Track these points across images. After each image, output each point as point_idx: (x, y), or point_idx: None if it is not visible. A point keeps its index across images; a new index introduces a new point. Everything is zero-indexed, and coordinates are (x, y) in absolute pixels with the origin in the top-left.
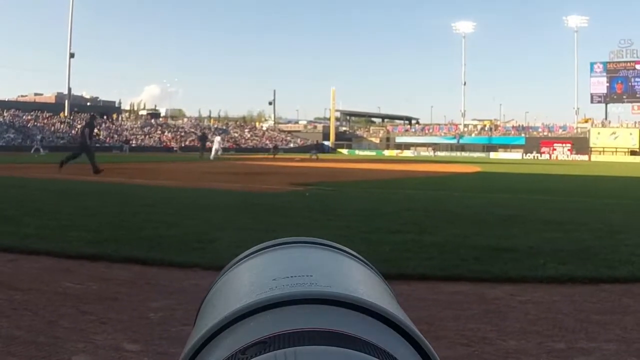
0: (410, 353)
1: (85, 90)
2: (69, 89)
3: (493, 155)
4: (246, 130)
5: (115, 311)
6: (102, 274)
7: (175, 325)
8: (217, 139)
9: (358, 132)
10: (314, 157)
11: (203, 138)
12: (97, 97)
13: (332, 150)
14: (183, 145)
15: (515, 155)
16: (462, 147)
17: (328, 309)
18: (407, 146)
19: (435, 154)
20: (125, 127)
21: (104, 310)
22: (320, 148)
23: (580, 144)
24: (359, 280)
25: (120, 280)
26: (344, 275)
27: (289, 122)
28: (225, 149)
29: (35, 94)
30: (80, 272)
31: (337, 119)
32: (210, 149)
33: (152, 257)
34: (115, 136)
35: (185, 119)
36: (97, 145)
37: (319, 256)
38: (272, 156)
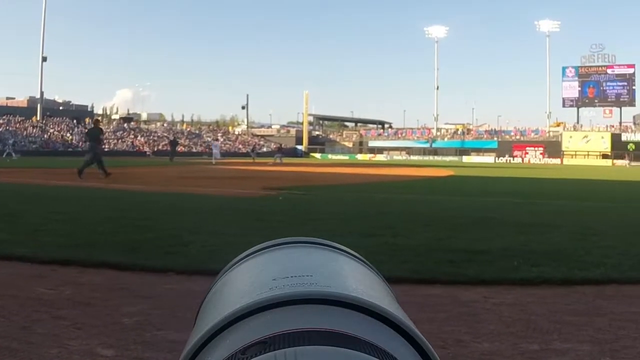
0: (410, 353)
1: (57, 95)
2: (42, 93)
3: (466, 159)
4: (219, 134)
5: (89, 316)
6: (76, 279)
7: (150, 330)
8: (216, 144)
9: (331, 136)
10: (278, 161)
11: (174, 143)
12: (70, 101)
13: (305, 154)
14: (156, 149)
15: (488, 159)
16: (435, 151)
17: (328, 309)
18: (380, 150)
19: (408, 157)
20: None
21: (78, 315)
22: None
23: (553, 148)
24: (359, 280)
25: (94, 285)
26: (344, 275)
27: (262, 126)
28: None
29: (7, 98)
30: (53, 277)
31: (310, 123)
32: (179, 154)
33: (125, 261)
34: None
35: (158, 124)
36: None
37: (318, 256)
38: (252, 160)
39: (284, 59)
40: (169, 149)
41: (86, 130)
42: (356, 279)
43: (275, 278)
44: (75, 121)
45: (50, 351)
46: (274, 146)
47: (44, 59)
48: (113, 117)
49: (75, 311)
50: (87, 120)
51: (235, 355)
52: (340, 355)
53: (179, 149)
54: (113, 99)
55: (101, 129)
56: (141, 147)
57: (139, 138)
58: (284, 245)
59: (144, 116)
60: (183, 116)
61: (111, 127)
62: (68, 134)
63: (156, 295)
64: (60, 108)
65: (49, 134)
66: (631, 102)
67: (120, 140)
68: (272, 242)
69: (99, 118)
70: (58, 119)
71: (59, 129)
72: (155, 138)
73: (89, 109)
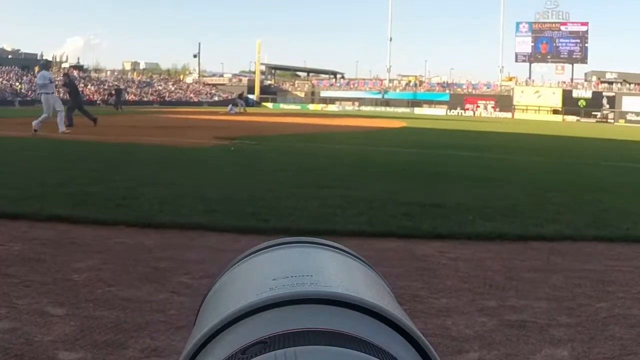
0: (410, 353)
1: (6, 43)
2: None
3: (418, 110)
4: (170, 83)
5: (39, 273)
6: (25, 234)
7: (101, 286)
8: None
9: (283, 86)
10: (241, 110)
11: (119, 92)
12: (19, 50)
13: (257, 103)
14: (106, 98)
15: (440, 111)
16: (386, 103)
17: (328, 308)
18: (332, 100)
19: (360, 108)
20: None
21: (27, 272)
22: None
23: (504, 102)
24: (359, 280)
25: (43, 240)
26: (344, 275)
27: (214, 75)
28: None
29: None
30: (1, 232)
31: (262, 73)
32: (125, 102)
33: (76, 215)
34: (38, 90)
35: (109, 72)
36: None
37: (319, 256)
38: (243, 110)
39: (237, 7)
40: (114, 98)
41: (63, 83)
42: (356, 278)
43: (275, 278)
44: (25, 70)
45: None
46: (236, 94)
47: None
48: (63, 65)
49: (24, 268)
50: (36, 68)
51: (235, 355)
52: (340, 355)
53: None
54: (63, 47)
55: (68, 80)
56: (91, 96)
57: (89, 87)
58: (284, 245)
59: (128, 67)
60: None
61: (61, 75)
62: (17, 83)
63: (107, 250)
64: (9, 57)
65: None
66: (583, 60)
67: None
68: (272, 242)
69: (67, 71)
70: (7, 67)
71: (7, 77)
72: (106, 87)
73: (38, 57)
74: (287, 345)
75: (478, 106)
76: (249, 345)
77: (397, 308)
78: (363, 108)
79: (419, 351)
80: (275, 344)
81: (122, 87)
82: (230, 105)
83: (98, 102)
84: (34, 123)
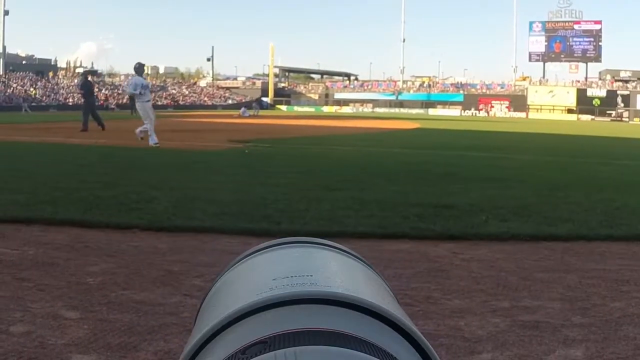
0: (410, 353)
1: (20, 49)
2: (4, 47)
3: (432, 111)
4: (184, 87)
5: (53, 277)
6: (39, 238)
7: (115, 290)
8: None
9: (297, 89)
10: (255, 113)
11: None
12: (33, 55)
13: (271, 106)
14: (121, 102)
15: (454, 112)
16: (400, 104)
17: (328, 309)
18: (345, 102)
19: (374, 110)
20: (62, 85)
21: (42, 276)
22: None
23: (518, 102)
24: (359, 280)
25: (57, 244)
26: (344, 275)
27: (228, 78)
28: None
29: None
30: (15, 237)
31: (275, 75)
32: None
33: (89, 219)
34: (52, 95)
35: (122, 77)
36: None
37: (319, 256)
38: (255, 114)
39: (250, 10)
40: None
41: (80, 83)
42: (356, 278)
43: (275, 278)
44: (39, 75)
45: (13, 315)
46: (251, 97)
47: (6, 13)
48: (77, 70)
49: (38, 272)
50: (50, 74)
51: (235, 355)
52: (340, 355)
53: None
54: (76, 52)
55: (89, 83)
56: (105, 101)
57: (103, 91)
58: (284, 245)
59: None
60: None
61: (75, 80)
62: (31, 89)
63: (121, 253)
64: (24, 62)
65: (12, 88)
66: (597, 58)
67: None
68: (272, 242)
69: (87, 73)
70: (21, 73)
71: (22, 83)
72: (120, 91)
73: (52, 63)
74: (287, 345)
75: (492, 106)
76: (249, 345)
77: (397, 308)
78: (377, 110)
79: (419, 351)
80: (275, 344)
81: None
82: (242, 108)
83: (112, 106)
84: (137, 131)
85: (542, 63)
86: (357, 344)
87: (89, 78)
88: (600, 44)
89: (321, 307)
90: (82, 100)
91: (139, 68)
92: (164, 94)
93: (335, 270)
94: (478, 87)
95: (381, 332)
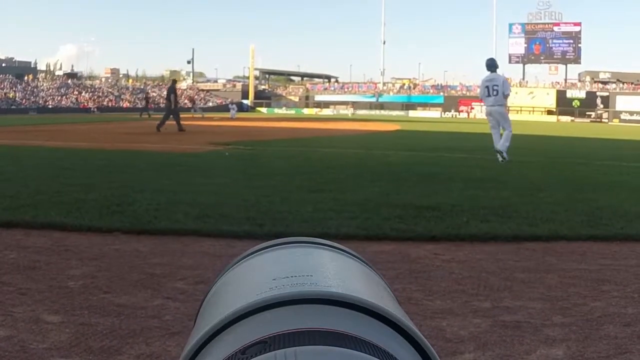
0: (410, 353)
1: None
2: None
3: (412, 113)
4: (164, 89)
5: (34, 281)
6: (20, 242)
7: (97, 293)
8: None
9: (277, 91)
10: (201, 115)
11: (146, 99)
12: (13, 58)
13: (252, 108)
14: (101, 105)
15: (434, 114)
16: (381, 106)
17: (328, 309)
18: (326, 104)
19: (355, 112)
20: (42, 88)
21: (23, 280)
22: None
23: None
24: (359, 280)
25: (38, 247)
26: (344, 275)
27: (208, 80)
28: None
29: None
30: None
31: (256, 78)
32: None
33: (70, 222)
34: (32, 97)
35: (103, 79)
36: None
37: (319, 256)
38: (200, 116)
39: (230, 12)
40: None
41: (170, 88)
42: (356, 278)
43: (275, 278)
44: (19, 78)
45: None
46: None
47: None
48: (57, 73)
49: (19, 276)
50: (29, 76)
51: (235, 355)
52: (340, 355)
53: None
54: (56, 54)
55: (175, 89)
56: (85, 104)
57: (83, 94)
58: (284, 245)
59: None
60: (127, 71)
61: (55, 83)
62: (11, 91)
63: (102, 256)
64: (3, 65)
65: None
66: (577, 60)
67: (64, 97)
68: (272, 242)
69: (175, 79)
70: (0, 76)
71: (1, 86)
72: (100, 94)
73: (32, 65)
74: (287, 345)
75: (472, 108)
76: (249, 345)
77: (397, 308)
78: (358, 112)
79: (419, 351)
80: (275, 344)
81: (151, 94)
82: (232, 111)
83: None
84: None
85: (521, 65)
86: (357, 344)
87: (174, 84)
88: (579, 45)
89: (321, 307)
90: (166, 102)
91: None
92: (144, 96)
93: (335, 270)
94: (458, 88)
95: (381, 332)
